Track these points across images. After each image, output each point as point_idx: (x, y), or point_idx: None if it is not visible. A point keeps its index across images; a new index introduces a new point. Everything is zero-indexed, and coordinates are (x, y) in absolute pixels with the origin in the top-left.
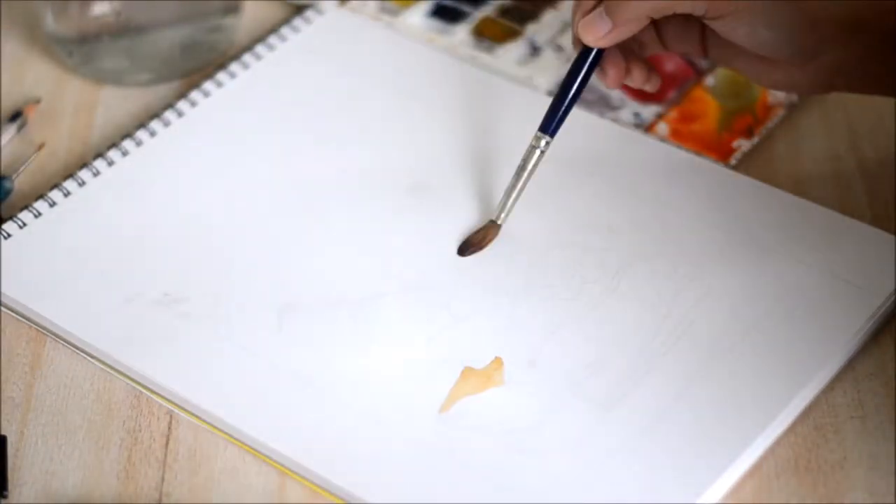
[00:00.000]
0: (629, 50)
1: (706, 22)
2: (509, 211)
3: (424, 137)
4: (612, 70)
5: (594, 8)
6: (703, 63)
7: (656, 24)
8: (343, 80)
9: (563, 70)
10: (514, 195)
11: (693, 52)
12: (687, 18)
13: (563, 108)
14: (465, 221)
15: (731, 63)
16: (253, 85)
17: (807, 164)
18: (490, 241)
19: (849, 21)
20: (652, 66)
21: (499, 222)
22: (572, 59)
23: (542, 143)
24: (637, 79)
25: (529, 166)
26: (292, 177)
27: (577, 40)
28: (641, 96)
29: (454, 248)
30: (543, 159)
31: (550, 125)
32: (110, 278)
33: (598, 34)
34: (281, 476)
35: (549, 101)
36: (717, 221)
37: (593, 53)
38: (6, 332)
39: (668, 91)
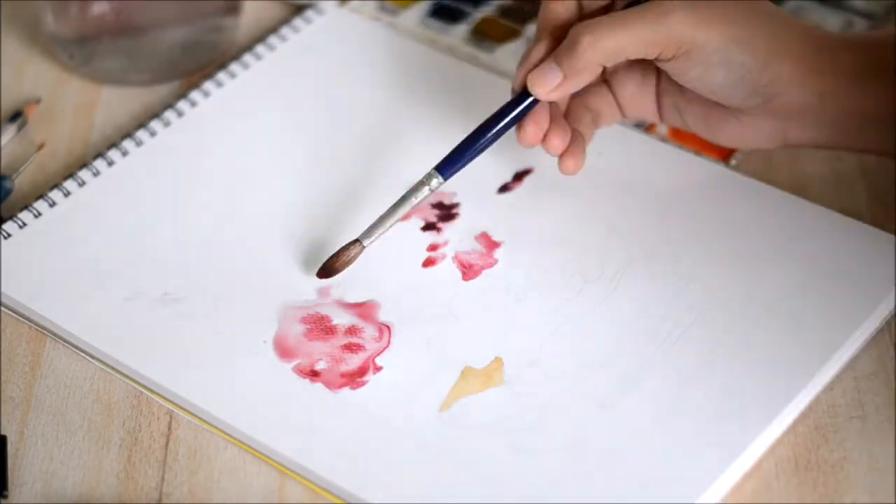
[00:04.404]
0: (557, 115)
1: (659, 65)
2: (378, 237)
3: (424, 137)
4: (532, 127)
5: (544, 59)
6: None
7: (611, 87)
8: (343, 81)
9: None
10: (388, 223)
11: (649, 115)
12: (641, 76)
13: (469, 155)
14: (465, 221)
15: (685, 122)
16: (253, 85)
17: (807, 164)
18: (352, 261)
19: (805, 62)
20: (579, 143)
21: (365, 244)
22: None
23: (434, 181)
24: (554, 146)
25: (414, 201)
26: (292, 176)
27: (518, 88)
28: None
29: (454, 247)
30: (544, 160)
31: (449, 168)
32: (110, 278)
33: (549, 86)
34: (281, 476)
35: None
36: (717, 221)
37: (526, 103)
38: (6, 332)
39: None
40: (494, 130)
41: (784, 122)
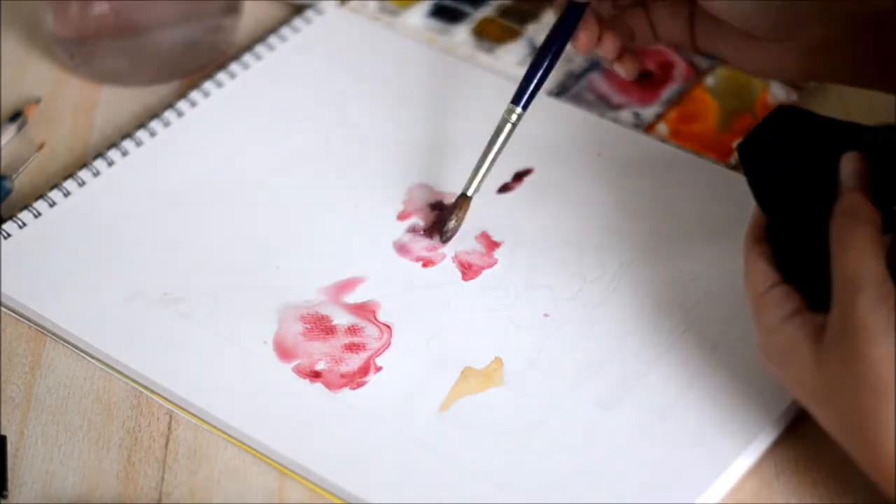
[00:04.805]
0: (607, 23)
1: None
2: (479, 184)
3: (424, 138)
4: (585, 34)
5: None
6: (703, 63)
7: (647, 10)
8: (343, 81)
9: (562, 70)
10: (484, 168)
11: (682, 42)
12: (674, 2)
13: (536, 81)
14: (467, 222)
15: (716, 48)
16: (253, 85)
17: None
18: (465, 215)
19: None
20: (632, 50)
21: (469, 194)
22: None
23: (514, 116)
24: (608, 49)
25: (500, 139)
26: (291, 177)
27: (563, 1)
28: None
29: (454, 247)
30: (544, 160)
31: (522, 98)
32: (110, 278)
33: None
34: (281, 476)
35: (549, 101)
36: (717, 221)
37: (574, 12)
38: (6, 332)
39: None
40: (554, 49)
41: (810, 55)
